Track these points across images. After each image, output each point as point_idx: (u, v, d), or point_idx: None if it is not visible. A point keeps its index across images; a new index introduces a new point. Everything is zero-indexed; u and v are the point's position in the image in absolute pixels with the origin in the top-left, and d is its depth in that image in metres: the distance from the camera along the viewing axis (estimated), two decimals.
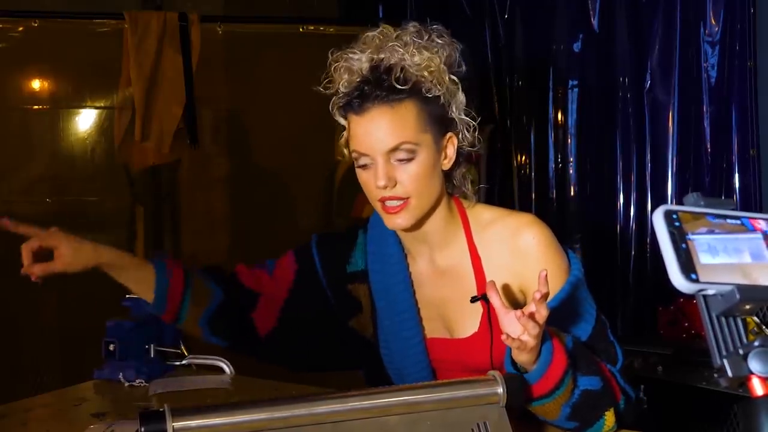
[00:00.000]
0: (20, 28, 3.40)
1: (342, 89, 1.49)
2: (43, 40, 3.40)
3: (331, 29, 3.67)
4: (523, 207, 3.68)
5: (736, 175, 3.14)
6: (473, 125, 1.54)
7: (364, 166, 1.49)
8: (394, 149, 1.45)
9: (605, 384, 1.46)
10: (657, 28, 3.31)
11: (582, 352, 1.46)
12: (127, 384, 1.93)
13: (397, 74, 1.44)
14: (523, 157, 3.69)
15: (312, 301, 1.69)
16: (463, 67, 1.52)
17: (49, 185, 3.53)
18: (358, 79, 1.46)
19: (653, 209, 1.29)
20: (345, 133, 1.53)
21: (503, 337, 1.32)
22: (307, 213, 3.89)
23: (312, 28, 3.65)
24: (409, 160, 1.46)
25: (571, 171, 3.58)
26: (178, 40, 3.39)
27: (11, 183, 3.49)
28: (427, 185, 1.49)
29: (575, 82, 3.57)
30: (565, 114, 3.59)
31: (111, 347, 1.95)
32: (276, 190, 3.77)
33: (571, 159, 3.57)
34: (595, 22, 3.48)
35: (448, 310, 1.60)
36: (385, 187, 1.46)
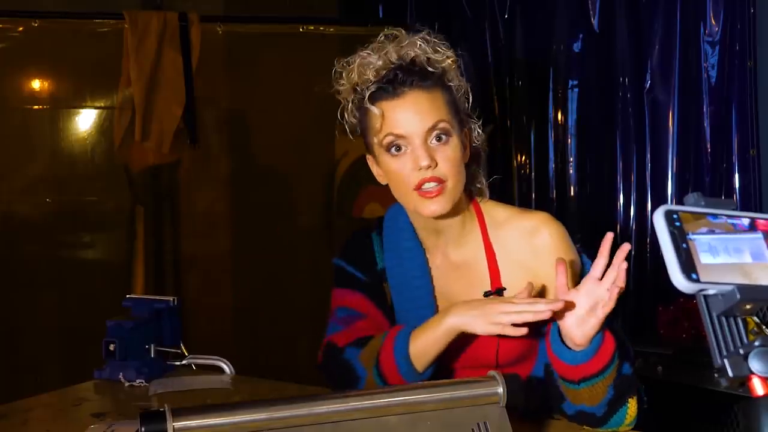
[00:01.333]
0: (20, 28, 3.40)
1: (371, 77, 1.51)
2: (43, 40, 3.40)
3: (331, 29, 3.67)
4: (523, 207, 3.67)
5: (736, 175, 3.14)
6: (478, 124, 1.61)
7: (398, 152, 1.50)
8: (432, 128, 1.49)
9: (633, 370, 1.48)
10: (657, 28, 3.31)
11: (617, 335, 1.47)
12: (127, 384, 1.93)
13: (424, 60, 1.51)
14: (523, 157, 3.69)
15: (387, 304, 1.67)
16: (464, 79, 1.59)
17: (49, 185, 3.53)
18: (389, 66, 1.50)
19: (653, 209, 1.29)
20: (376, 124, 1.51)
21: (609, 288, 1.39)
22: (307, 213, 3.89)
23: (312, 28, 3.65)
24: (445, 142, 1.50)
25: (571, 171, 3.58)
26: (178, 40, 3.39)
27: (11, 183, 3.49)
28: (460, 170, 1.52)
29: (575, 82, 3.57)
30: (565, 114, 3.59)
31: (111, 347, 1.95)
32: (276, 190, 3.77)
33: (571, 159, 3.57)
34: (595, 22, 3.48)
35: None
36: (428, 167, 1.48)
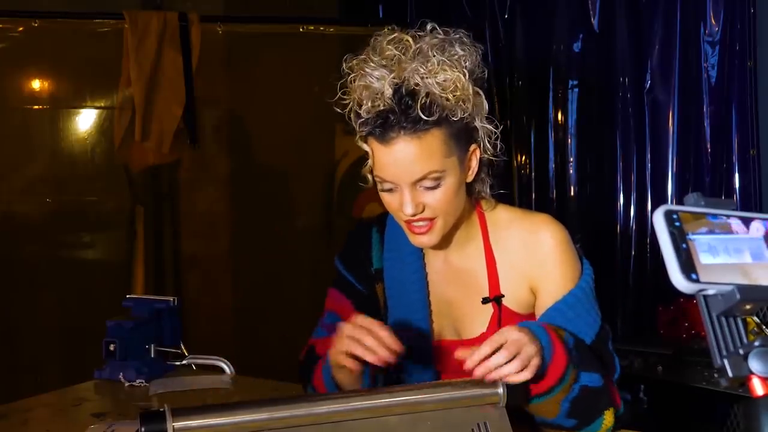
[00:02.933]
0: (20, 28, 3.40)
1: (363, 114, 1.44)
2: (43, 40, 3.40)
3: (331, 29, 3.67)
4: (523, 207, 3.67)
5: (736, 175, 3.13)
6: (495, 133, 1.51)
7: (388, 191, 1.48)
8: (421, 179, 1.43)
9: (605, 382, 1.47)
10: (657, 28, 3.31)
11: (583, 348, 1.47)
12: (127, 384, 1.93)
13: (423, 101, 1.39)
14: (523, 157, 3.69)
15: (378, 317, 1.63)
16: (485, 71, 1.49)
17: (49, 185, 3.53)
18: (380, 106, 1.41)
19: (653, 209, 1.29)
20: (369, 160, 1.49)
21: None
22: (307, 213, 3.89)
23: (312, 28, 3.65)
24: (436, 186, 1.45)
25: (571, 171, 3.58)
26: (178, 40, 3.39)
27: (11, 183, 3.49)
28: (453, 205, 1.49)
29: (575, 82, 3.57)
30: (565, 114, 3.59)
31: (111, 347, 1.95)
32: (276, 190, 3.77)
33: (571, 159, 3.57)
34: (595, 22, 3.48)
35: (459, 310, 1.60)
36: (413, 215, 1.46)
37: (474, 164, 1.51)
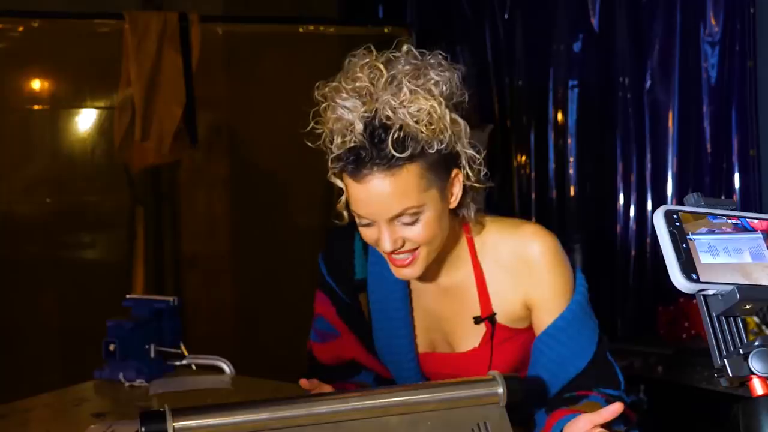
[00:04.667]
0: (20, 28, 3.39)
1: (334, 149, 1.38)
2: (43, 40, 3.40)
3: (331, 29, 3.66)
4: (523, 207, 3.67)
5: (736, 175, 3.13)
6: (478, 159, 1.43)
7: (366, 225, 1.42)
8: (398, 215, 1.37)
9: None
10: (657, 28, 3.31)
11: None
12: (127, 384, 1.93)
13: (396, 135, 1.33)
14: (523, 157, 3.69)
15: (362, 322, 1.62)
16: (466, 94, 1.42)
17: (49, 185, 3.53)
18: (352, 142, 1.35)
19: (653, 209, 1.29)
20: (343, 197, 1.44)
21: None
22: (306, 213, 3.89)
23: (312, 28, 3.65)
24: (415, 221, 1.39)
25: (571, 171, 3.58)
26: (178, 40, 3.38)
27: (11, 183, 3.49)
28: (435, 234, 1.42)
29: (575, 82, 3.57)
30: (565, 114, 3.59)
31: (111, 347, 1.95)
32: (276, 190, 3.77)
33: (571, 159, 3.57)
34: (595, 22, 3.48)
35: (449, 325, 1.58)
36: (393, 251, 1.41)
37: (457, 190, 1.44)
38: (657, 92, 3.33)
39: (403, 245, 1.41)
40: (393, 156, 1.33)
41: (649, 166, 3.36)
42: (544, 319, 1.51)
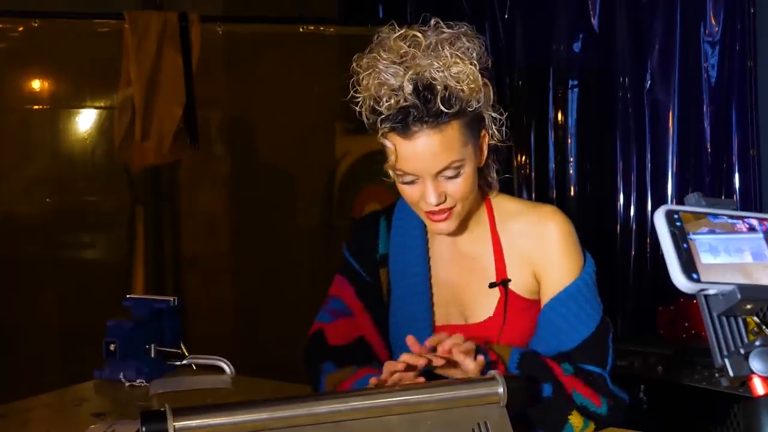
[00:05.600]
0: (20, 28, 3.39)
1: (384, 110, 1.46)
2: (43, 40, 3.40)
3: (331, 29, 3.67)
4: None
5: (736, 175, 3.13)
6: (501, 120, 1.57)
7: (410, 183, 1.52)
8: (444, 169, 1.49)
9: (556, 389, 1.49)
10: (657, 28, 3.30)
11: (530, 362, 1.50)
12: (127, 384, 1.93)
13: (442, 94, 1.44)
14: (523, 157, 3.69)
15: (381, 304, 1.68)
16: (489, 61, 1.54)
17: (49, 185, 3.53)
18: (402, 102, 1.45)
19: (653, 209, 1.30)
20: (391, 157, 1.51)
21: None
22: (307, 213, 3.89)
23: (312, 28, 3.65)
24: (457, 175, 1.50)
25: (571, 171, 3.58)
26: (178, 40, 3.38)
27: (11, 183, 3.49)
28: (471, 189, 1.54)
29: (575, 82, 3.56)
30: (565, 114, 3.59)
31: (111, 347, 1.95)
32: (276, 190, 3.77)
33: (571, 159, 3.57)
34: (595, 22, 3.48)
35: (465, 294, 1.63)
36: (437, 204, 1.50)
37: (485, 150, 1.57)
38: (657, 92, 3.33)
39: (445, 200, 1.51)
40: (441, 112, 1.44)
41: (649, 166, 3.36)
42: (549, 291, 1.58)
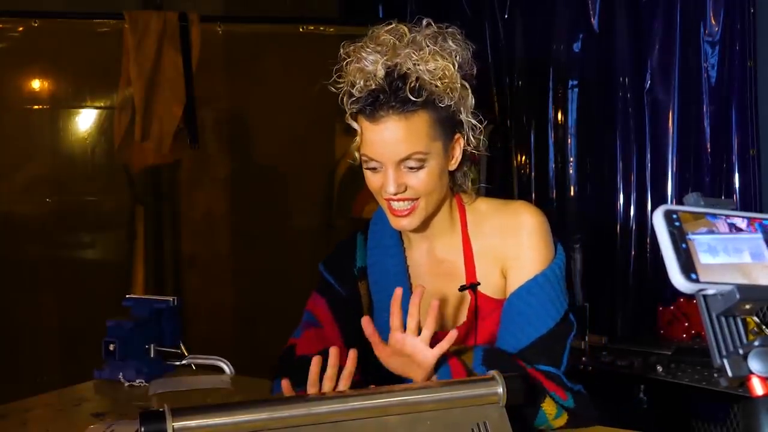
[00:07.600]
0: (20, 28, 3.40)
1: (355, 93, 1.49)
2: (43, 40, 3.40)
3: (331, 29, 3.67)
4: None
5: (736, 175, 3.13)
6: (479, 128, 1.57)
7: (373, 169, 1.53)
8: (406, 158, 1.48)
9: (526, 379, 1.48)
10: (657, 28, 3.30)
11: (494, 357, 1.49)
12: (127, 384, 1.93)
13: (412, 83, 1.45)
14: (523, 157, 3.69)
15: (355, 317, 1.65)
16: (474, 69, 1.56)
17: (49, 185, 3.53)
18: (372, 86, 1.47)
19: (653, 209, 1.30)
20: (357, 138, 1.54)
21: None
22: (307, 213, 3.89)
23: (312, 28, 3.65)
24: (420, 167, 1.50)
25: (571, 171, 3.57)
26: (178, 40, 3.38)
27: (11, 183, 3.49)
28: (435, 188, 1.53)
29: (575, 82, 3.56)
30: (565, 114, 3.59)
31: (111, 347, 1.95)
32: (276, 190, 3.78)
33: (571, 159, 3.57)
34: (595, 22, 3.48)
35: (443, 304, 1.61)
36: (395, 194, 1.51)
37: (457, 153, 1.56)
38: (657, 92, 3.32)
39: (404, 191, 1.51)
40: (408, 100, 1.45)
41: (649, 166, 3.36)
42: (512, 286, 1.57)
